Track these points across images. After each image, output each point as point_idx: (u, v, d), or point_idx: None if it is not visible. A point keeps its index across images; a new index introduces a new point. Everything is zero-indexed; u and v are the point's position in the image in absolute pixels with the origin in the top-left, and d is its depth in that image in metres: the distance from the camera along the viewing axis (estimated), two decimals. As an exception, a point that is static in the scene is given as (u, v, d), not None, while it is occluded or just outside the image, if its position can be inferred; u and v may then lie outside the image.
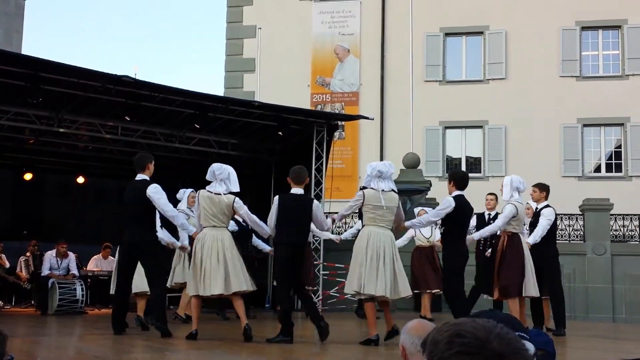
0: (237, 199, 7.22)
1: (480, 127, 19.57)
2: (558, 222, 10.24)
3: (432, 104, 19.22)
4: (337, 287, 12.71)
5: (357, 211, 7.49)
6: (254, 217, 7.42)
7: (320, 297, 13.05)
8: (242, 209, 7.22)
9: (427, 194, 14.39)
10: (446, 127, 19.73)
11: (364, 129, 19.37)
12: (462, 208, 7.38)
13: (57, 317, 10.36)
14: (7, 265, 12.64)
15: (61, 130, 11.92)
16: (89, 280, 11.94)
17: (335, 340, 7.03)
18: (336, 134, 14.62)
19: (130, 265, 7.45)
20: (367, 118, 14.28)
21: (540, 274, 8.10)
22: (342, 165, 18.99)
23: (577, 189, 17.20)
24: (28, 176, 14.54)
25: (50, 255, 11.67)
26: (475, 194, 11.55)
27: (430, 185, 14.79)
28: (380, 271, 6.63)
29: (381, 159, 19.41)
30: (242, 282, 7.08)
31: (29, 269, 12.60)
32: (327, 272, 13.19)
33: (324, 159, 13.27)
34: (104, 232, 13.88)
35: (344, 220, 14.11)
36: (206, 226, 7.15)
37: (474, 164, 19.69)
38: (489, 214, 10.04)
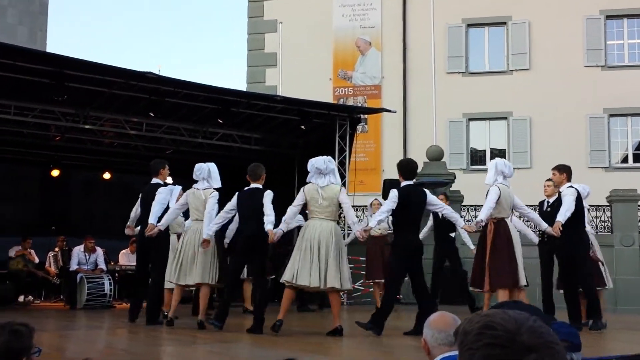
0: (213, 193, 7.81)
1: (505, 118, 19.42)
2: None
3: (455, 96, 19.09)
4: (360, 281, 12.73)
5: (303, 207, 7.45)
6: (213, 213, 7.71)
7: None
8: (212, 199, 7.74)
9: (451, 187, 14.33)
10: (470, 119, 19.60)
11: (387, 122, 19.32)
12: (410, 198, 7.14)
13: (86, 311, 10.52)
14: (37, 260, 12.84)
15: (87, 126, 12.08)
16: (116, 274, 12.11)
17: (361, 333, 7.06)
18: (359, 127, 14.60)
19: (144, 260, 8.50)
20: (389, 111, 14.24)
21: (571, 264, 7.73)
22: (365, 159, 18.96)
23: (604, 180, 16.99)
24: (55, 173, 14.72)
25: (78, 250, 11.84)
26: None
27: (455, 177, 14.73)
28: (314, 262, 6.89)
29: (404, 152, 19.36)
30: (209, 275, 7.68)
31: (57, 264, 12.79)
32: (352, 266, 13.19)
33: (347, 153, 13.27)
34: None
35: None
36: (192, 220, 7.90)
37: (499, 155, 19.47)
38: (548, 202, 9.36)
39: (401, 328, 7.39)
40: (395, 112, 15.18)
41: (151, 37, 62.14)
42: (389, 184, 13.73)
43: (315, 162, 7.20)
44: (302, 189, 7.28)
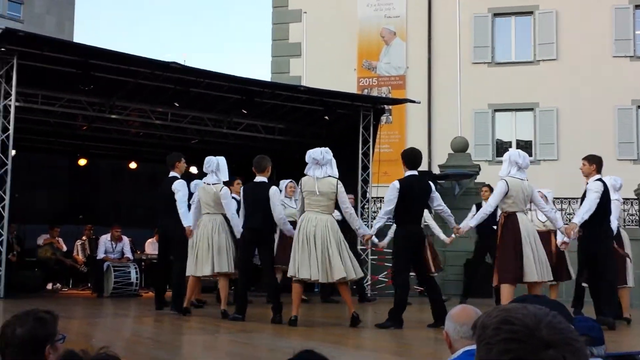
0: (224, 188, 7.94)
1: (531, 109, 19.22)
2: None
3: (481, 86, 18.93)
4: (385, 272, 12.73)
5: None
6: (233, 207, 7.95)
7: (369, 282, 13.09)
8: (225, 199, 7.88)
9: (475, 178, 14.24)
10: (495, 110, 19.44)
11: (411, 113, 19.23)
12: (411, 189, 7.04)
13: (112, 299, 10.66)
14: (64, 248, 13.02)
15: (113, 116, 12.19)
16: (142, 263, 12.25)
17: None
18: (383, 118, 14.54)
19: (165, 251, 8.85)
20: (414, 102, 14.16)
21: (594, 259, 7.53)
22: (389, 150, 18.85)
23: (632, 173, 16.73)
24: (82, 162, 14.89)
25: (105, 239, 11.99)
26: (528, 177, 11.35)
27: (479, 169, 14.62)
28: (312, 256, 6.87)
29: (429, 143, 19.28)
30: (225, 264, 7.80)
31: (85, 252, 12.97)
32: (376, 257, 13.22)
33: (371, 144, 13.24)
34: (156, 217, 14.16)
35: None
36: (203, 213, 8.02)
37: (525, 147, 19.30)
38: None
39: (424, 320, 7.39)
40: (420, 102, 15.10)
41: (177, 27, 62.42)
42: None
43: (313, 153, 7.14)
44: (300, 182, 7.23)
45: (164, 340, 6.29)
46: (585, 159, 7.75)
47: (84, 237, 13.17)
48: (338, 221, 7.39)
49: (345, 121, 13.50)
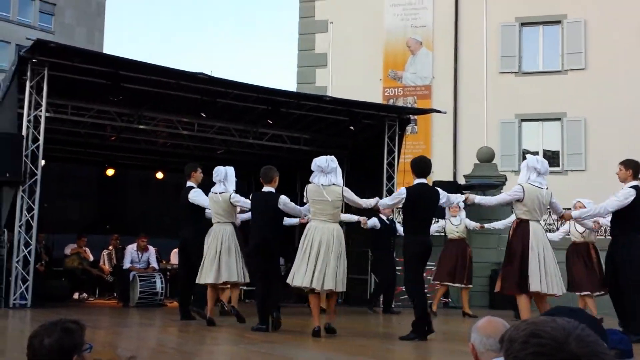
0: (232, 194, 8.12)
1: (559, 119, 19.02)
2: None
3: (508, 96, 18.79)
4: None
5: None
6: (248, 203, 8.04)
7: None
8: (239, 202, 8.10)
9: (502, 189, 14.10)
10: (522, 120, 19.27)
11: (437, 123, 19.13)
12: (420, 198, 6.98)
13: (138, 309, 10.73)
14: (91, 258, 13.15)
15: (141, 127, 12.31)
16: (168, 273, 12.32)
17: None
18: (408, 128, 14.50)
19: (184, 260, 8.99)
20: (439, 112, 14.10)
21: (620, 269, 7.31)
22: (414, 160, 18.81)
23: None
24: (110, 172, 15.04)
25: (131, 249, 12.09)
26: (553, 188, 11.23)
27: (506, 179, 14.48)
28: (310, 264, 6.93)
29: (454, 153, 19.16)
30: (234, 273, 7.98)
31: (111, 262, 13.08)
32: (399, 268, 13.13)
33: (396, 154, 13.20)
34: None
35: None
36: (214, 223, 8.22)
37: (552, 157, 19.14)
38: None
39: (449, 332, 7.32)
40: (446, 112, 15.03)
41: (204, 38, 63.08)
42: (438, 186, 13.60)
43: (318, 161, 7.20)
44: (305, 189, 7.30)
45: (188, 351, 6.31)
46: (622, 163, 7.49)
47: (110, 247, 13.28)
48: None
49: (371, 131, 13.48)
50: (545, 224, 14.14)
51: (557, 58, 19.34)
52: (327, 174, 7.14)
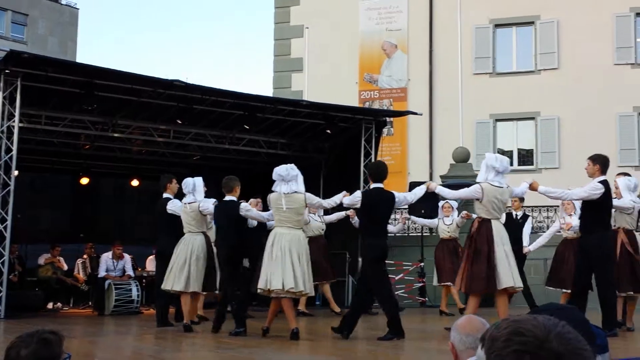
0: (201, 202, 8.26)
1: (532, 118, 19.20)
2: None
3: (482, 97, 18.94)
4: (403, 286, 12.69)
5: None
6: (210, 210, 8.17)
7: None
8: (206, 210, 8.23)
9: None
10: (497, 120, 19.41)
11: (413, 125, 19.21)
12: (375, 202, 7.06)
13: (114, 317, 10.62)
14: (65, 267, 12.99)
15: (115, 135, 12.20)
16: (144, 280, 12.20)
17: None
18: (385, 130, 14.54)
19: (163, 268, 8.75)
20: (415, 113, 14.16)
21: (584, 263, 7.28)
22: (391, 162, 18.85)
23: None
24: (84, 180, 14.89)
25: (106, 257, 11.96)
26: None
27: (482, 179, 14.56)
28: (286, 268, 7.04)
29: (430, 154, 19.26)
30: (198, 284, 8.17)
31: (86, 270, 12.93)
32: (393, 269, 13.20)
33: (373, 156, 13.22)
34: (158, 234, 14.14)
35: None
36: (185, 232, 8.38)
37: (527, 156, 19.34)
38: (516, 214, 9.92)
39: (428, 331, 7.32)
40: (422, 114, 15.09)
41: (179, 45, 62.82)
42: (414, 187, 13.65)
43: (278, 170, 7.33)
44: (267, 198, 7.48)
45: (165, 358, 6.24)
46: (590, 158, 7.46)
47: (85, 256, 13.14)
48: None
49: (348, 134, 13.49)
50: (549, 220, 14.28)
51: (530, 58, 19.53)
52: (288, 182, 7.26)
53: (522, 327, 1.28)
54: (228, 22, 62.36)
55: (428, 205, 11.56)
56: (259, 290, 7.23)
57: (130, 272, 12.01)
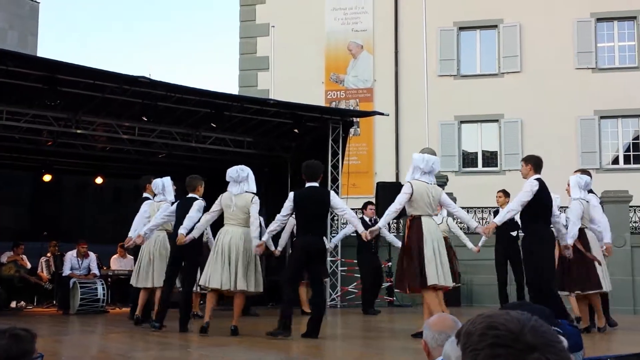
0: (163, 205, 8.51)
1: (496, 120, 19.49)
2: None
3: (447, 98, 19.16)
4: (355, 283, 12.75)
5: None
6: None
7: (339, 294, 13.09)
8: (165, 211, 8.37)
9: (443, 189, 14.35)
10: (461, 122, 19.67)
11: (379, 125, 19.35)
12: (308, 200, 7.17)
13: (79, 316, 10.47)
14: (29, 266, 12.75)
15: (79, 131, 12.02)
16: (109, 279, 12.06)
17: (357, 335, 7.06)
18: (351, 130, 14.61)
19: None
20: (381, 114, 14.27)
21: (524, 260, 7.37)
22: (357, 162, 18.98)
23: (595, 182, 16.98)
24: (47, 177, 14.65)
25: (71, 256, 11.79)
26: (493, 188, 11.55)
27: (447, 180, 14.76)
28: (224, 266, 7.31)
29: (397, 155, 19.43)
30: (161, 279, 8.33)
31: (50, 269, 12.72)
32: (345, 269, 13.23)
33: (340, 156, 13.29)
34: (123, 232, 13.99)
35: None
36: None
37: (490, 157, 19.64)
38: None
39: (397, 330, 7.40)
40: (388, 115, 15.21)
41: (142, 40, 62.05)
42: (381, 187, 13.76)
43: (230, 172, 7.61)
44: (219, 197, 7.68)
45: (134, 357, 6.19)
46: (522, 159, 7.61)
47: (48, 254, 12.92)
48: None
49: (315, 134, 13.53)
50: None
51: (494, 61, 19.83)
52: (239, 183, 7.56)
53: (496, 322, 1.30)
54: (194, 19, 61.82)
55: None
56: (200, 287, 7.56)
57: (95, 270, 11.85)
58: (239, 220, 7.49)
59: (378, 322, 7.13)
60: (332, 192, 7.53)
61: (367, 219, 11.17)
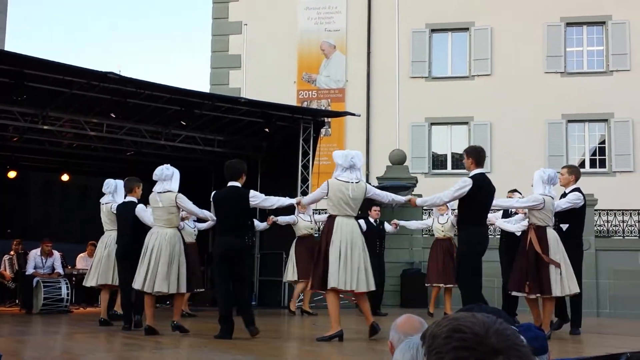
0: (113, 204, 8.78)
1: (466, 123, 19.65)
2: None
3: (418, 100, 19.26)
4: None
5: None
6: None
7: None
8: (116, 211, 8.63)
9: (413, 190, 14.42)
10: (432, 124, 19.79)
11: (350, 126, 19.38)
12: (225, 200, 7.23)
13: (42, 316, 10.28)
14: (-9, 264, 12.51)
15: (45, 127, 11.82)
16: (73, 278, 11.86)
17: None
18: (322, 130, 14.61)
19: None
20: (353, 114, 14.28)
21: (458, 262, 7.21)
22: (328, 162, 18.88)
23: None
24: (12, 174, 14.39)
25: (34, 254, 11.57)
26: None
27: (417, 181, 14.83)
28: (153, 268, 7.43)
29: (367, 156, 19.47)
30: (109, 278, 8.66)
31: (13, 267, 12.48)
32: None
33: (311, 156, 13.26)
34: (88, 230, 13.77)
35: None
36: (105, 230, 9.14)
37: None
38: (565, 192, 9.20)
39: (362, 332, 7.38)
40: (359, 115, 15.24)
41: (112, 36, 61.33)
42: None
43: (156, 171, 7.71)
44: (149, 198, 7.81)
45: (98, 358, 6.08)
46: (464, 151, 7.39)
47: (12, 252, 12.68)
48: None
49: (286, 133, 13.49)
50: None
51: (464, 64, 19.99)
52: (162, 182, 7.60)
53: (461, 324, 1.30)
54: (165, 16, 61.31)
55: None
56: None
57: (59, 269, 11.64)
58: (164, 221, 7.56)
59: (358, 324, 7.09)
60: (252, 192, 7.34)
61: (372, 220, 10.92)
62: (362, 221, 10.64)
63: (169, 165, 7.75)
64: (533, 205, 7.38)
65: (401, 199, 7.64)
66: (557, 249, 7.38)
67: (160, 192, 7.55)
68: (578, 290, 7.56)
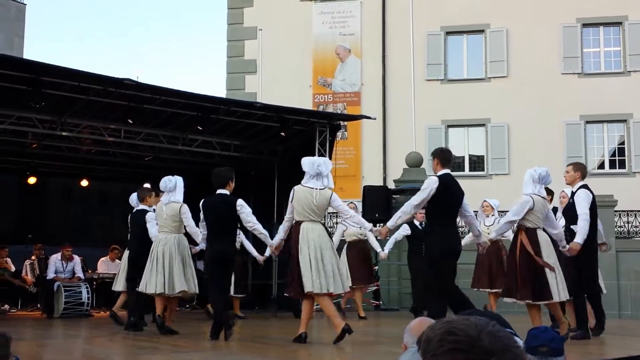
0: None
1: (483, 125, 19.57)
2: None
3: (434, 102, 19.22)
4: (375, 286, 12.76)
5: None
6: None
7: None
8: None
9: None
10: (448, 126, 19.74)
11: (367, 129, 19.38)
12: (213, 208, 7.33)
13: (63, 320, 10.39)
14: (13, 269, 12.66)
15: (64, 133, 11.94)
16: (94, 282, 11.98)
17: (326, 342, 7.04)
18: (339, 134, 14.61)
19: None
20: (369, 118, 14.29)
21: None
22: (345, 166, 19.00)
23: (581, 186, 17.15)
24: (32, 180, 14.55)
25: (55, 259, 11.70)
26: (480, 193, 11.55)
27: (434, 184, 14.78)
28: (158, 272, 7.82)
29: (384, 159, 19.47)
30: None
31: (34, 272, 12.63)
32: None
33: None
34: (108, 235, 13.91)
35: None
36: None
37: (477, 162, 19.71)
38: (572, 191, 8.64)
39: (379, 334, 7.39)
40: (375, 119, 15.23)
41: (129, 43, 61.90)
42: (368, 191, 13.77)
43: (161, 182, 8.08)
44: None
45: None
46: (431, 153, 7.26)
47: (33, 257, 12.83)
48: None
49: (301, 137, 13.51)
50: None
51: (480, 66, 19.91)
52: (168, 193, 8.01)
53: (455, 327, 1.32)
54: (181, 22, 61.80)
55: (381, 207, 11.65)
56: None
57: (80, 274, 11.76)
58: (171, 228, 7.98)
59: (361, 326, 7.10)
60: (239, 201, 7.30)
61: (417, 222, 10.66)
62: (406, 225, 10.57)
63: (171, 177, 8.06)
64: (524, 209, 7.09)
65: (367, 225, 7.68)
66: (549, 252, 7.07)
67: (166, 204, 7.98)
68: (568, 297, 7.23)
